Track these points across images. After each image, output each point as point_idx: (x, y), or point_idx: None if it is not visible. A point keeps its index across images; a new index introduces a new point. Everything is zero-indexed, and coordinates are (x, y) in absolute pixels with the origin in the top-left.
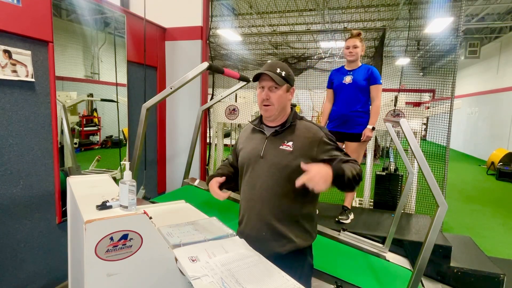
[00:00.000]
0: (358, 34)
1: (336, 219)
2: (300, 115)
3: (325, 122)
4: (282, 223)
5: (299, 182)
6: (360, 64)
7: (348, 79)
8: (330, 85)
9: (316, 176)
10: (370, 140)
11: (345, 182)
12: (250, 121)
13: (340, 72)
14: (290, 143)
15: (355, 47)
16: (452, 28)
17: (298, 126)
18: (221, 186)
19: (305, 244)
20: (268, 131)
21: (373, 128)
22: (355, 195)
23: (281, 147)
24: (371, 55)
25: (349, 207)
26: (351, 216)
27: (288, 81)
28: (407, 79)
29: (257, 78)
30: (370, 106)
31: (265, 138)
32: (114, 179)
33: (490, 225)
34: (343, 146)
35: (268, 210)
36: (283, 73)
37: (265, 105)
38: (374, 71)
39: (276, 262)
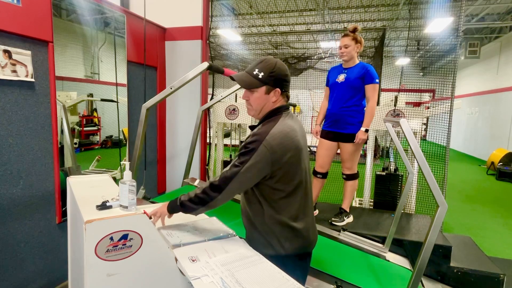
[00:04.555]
0: (353, 31)
1: (330, 221)
2: (294, 113)
3: (321, 120)
4: (261, 226)
5: None
6: (357, 62)
7: (341, 78)
8: (327, 82)
9: None
10: (363, 142)
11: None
12: None
13: (337, 70)
14: None
15: (345, 47)
16: (452, 28)
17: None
18: None
19: (287, 252)
20: None
21: (367, 130)
22: (355, 196)
23: None
24: (371, 55)
25: (347, 210)
26: (348, 220)
27: (267, 82)
28: (407, 79)
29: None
30: (365, 106)
31: None
32: (114, 179)
33: (490, 225)
34: (338, 147)
35: (248, 212)
36: (261, 75)
37: (247, 106)
38: (370, 70)
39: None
